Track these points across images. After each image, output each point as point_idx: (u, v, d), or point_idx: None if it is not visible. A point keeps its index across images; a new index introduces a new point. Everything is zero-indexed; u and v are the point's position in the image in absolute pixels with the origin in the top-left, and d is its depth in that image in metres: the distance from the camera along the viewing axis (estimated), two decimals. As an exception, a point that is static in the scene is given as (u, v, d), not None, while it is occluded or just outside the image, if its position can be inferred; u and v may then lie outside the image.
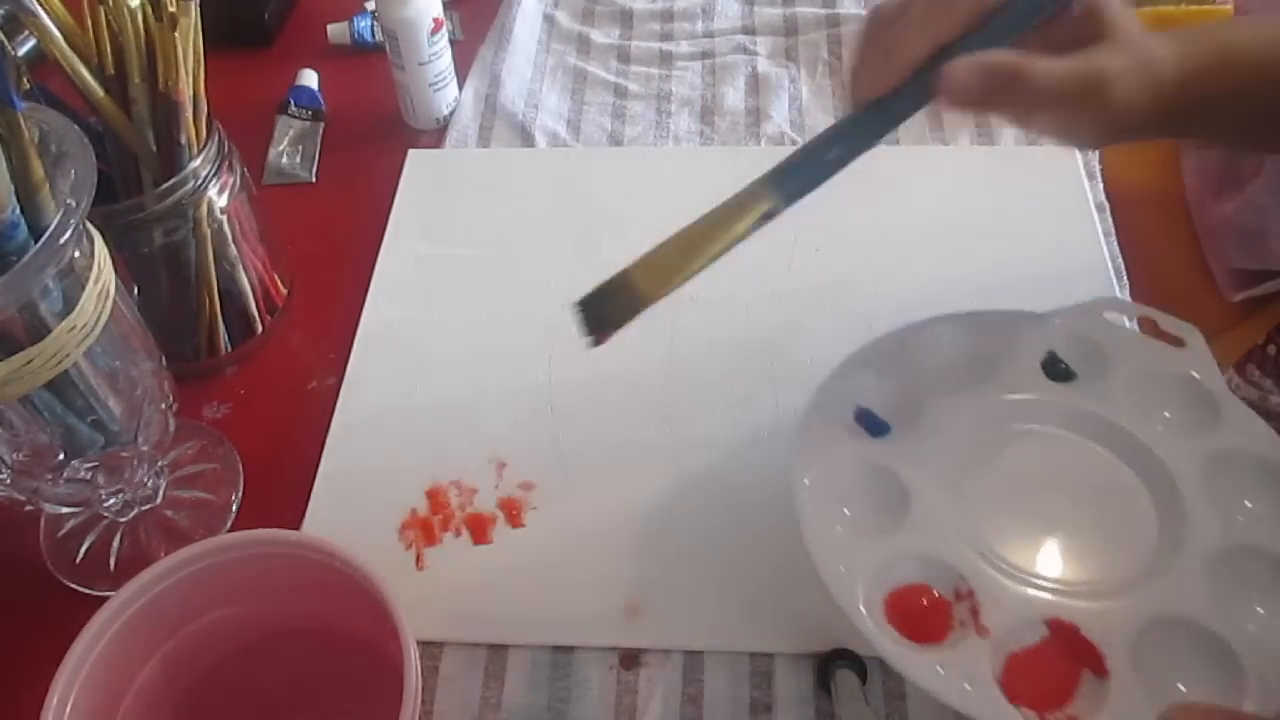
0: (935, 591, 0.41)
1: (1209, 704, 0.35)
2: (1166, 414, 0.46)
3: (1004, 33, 0.38)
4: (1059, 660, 0.38)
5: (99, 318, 0.43)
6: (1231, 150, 0.47)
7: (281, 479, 0.57)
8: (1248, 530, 0.41)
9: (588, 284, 0.65)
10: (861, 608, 0.40)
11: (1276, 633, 0.38)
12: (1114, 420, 0.45)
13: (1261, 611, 0.38)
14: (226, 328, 0.60)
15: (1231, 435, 0.44)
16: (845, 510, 0.43)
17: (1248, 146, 0.48)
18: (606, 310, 0.44)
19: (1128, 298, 0.61)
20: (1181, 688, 0.37)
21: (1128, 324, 0.54)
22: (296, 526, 0.54)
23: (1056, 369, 0.48)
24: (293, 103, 0.76)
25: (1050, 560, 0.42)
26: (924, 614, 0.40)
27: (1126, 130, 0.42)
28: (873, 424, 0.46)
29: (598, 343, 0.44)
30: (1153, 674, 0.37)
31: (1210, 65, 0.42)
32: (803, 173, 0.40)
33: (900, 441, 0.45)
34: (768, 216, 0.41)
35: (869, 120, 0.40)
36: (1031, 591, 0.40)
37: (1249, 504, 0.42)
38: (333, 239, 0.69)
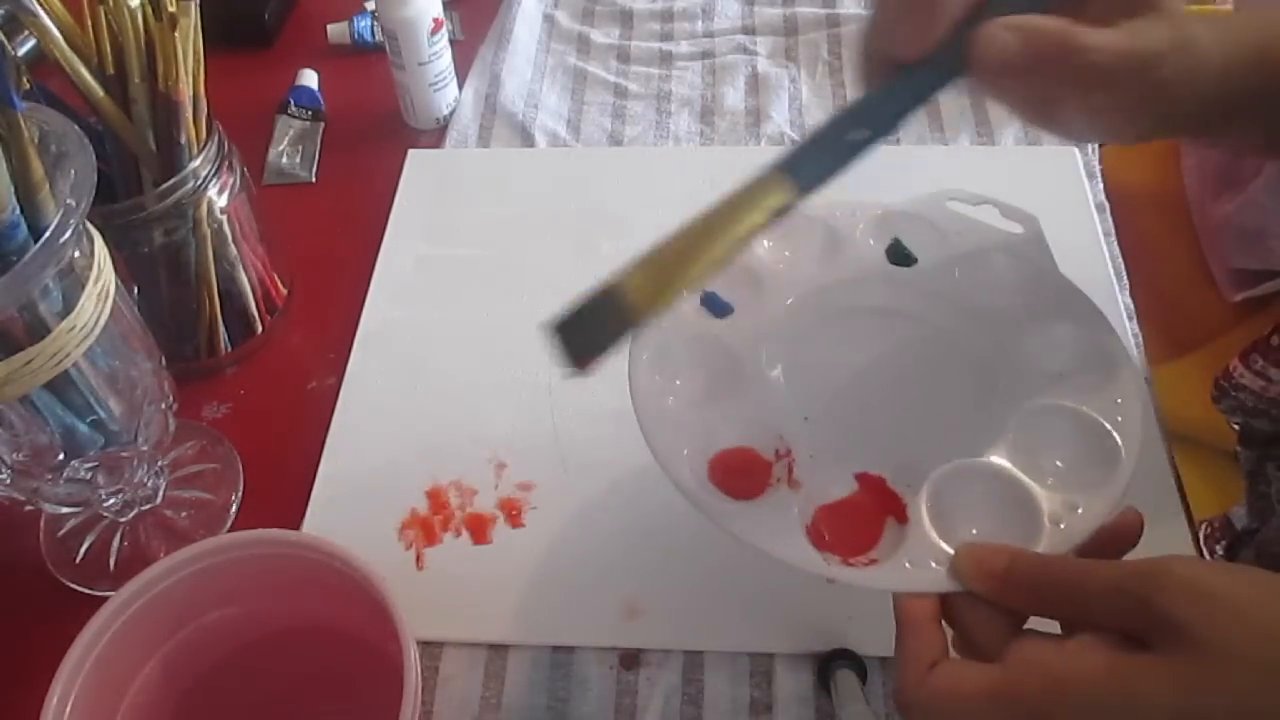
0: (757, 451, 0.42)
1: (997, 544, 0.36)
2: (995, 291, 0.47)
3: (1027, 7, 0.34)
4: (865, 510, 0.40)
5: (99, 318, 0.43)
6: (1259, 158, 0.46)
7: (281, 479, 0.57)
8: (1058, 390, 0.42)
9: (587, 283, 0.64)
10: (688, 471, 0.41)
11: (1073, 484, 0.39)
12: (944, 295, 0.47)
13: (1060, 465, 0.40)
14: (226, 328, 0.60)
15: (1052, 306, 0.46)
16: (677, 382, 0.44)
17: (1274, 153, 0.47)
18: (592, 333, 0.36)
19: (1128, 298, 0.61)
20: (975, 532, 0.38)
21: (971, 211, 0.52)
22: (296, 526, 0.54)
23: (899, 253, 0.49)
24: (293, 103, 0.76)
25: (869, 424, 0.43)
26: (745, 472, 0.42)
27: (1168, 120, 0.38)
28: (715, 305, 0.47)
29: (581, 372, 0.36)
30: (951, 520, 0.39)
31: (1251, 61, 0.38)
32: (823, 157, 0.35)
33: (738, 320, 0.46)
34: (783, 211, 0.35)
35: (898, 92, 0.35)
36: (845, 449, 0.42)
37: (1061, 370, 0.43)
38: (333, 239, 0.69)
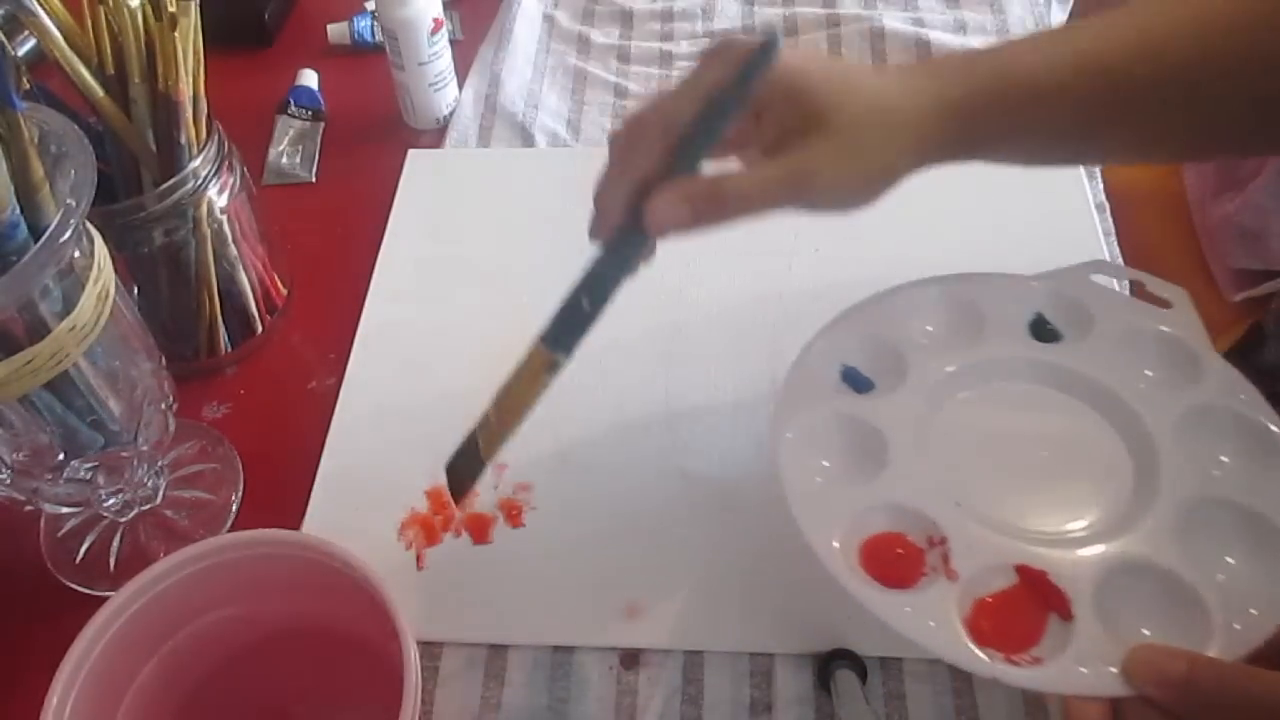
0: (909, 539, 0.41)
1: (1172, 646, 0.35)
2: (1148, 372, 0.46)
3: (695, 151, 0.40)
4: (1026, 604, 0.39)
5: (99, 318, 0.43)
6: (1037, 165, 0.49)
7: (281, 479, 0.57)
8: (1221, 483, 0.42)
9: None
10: (836, 545, 0.40)
11: (1244, 582, 0.38)
12: (1095, 377, 0.46)
13: (1231, 562, 0.39)
14: (226, 328, 0.60)
15: (1211, 391, 0.45)
16: (824, 462, 0.44)
17: (1050, 163, 0.50)
18: (464, 473, 0.47)
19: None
20: (1146, 632, 0.37)
21: (1116, 287, 0.54)
22: (296, 526, 0.54)
23: (1043, 330, 0.48)
24: (293, 103, 0.76)
25: (1024, 510, 0.42)
26: (898, 561, 0.41)
27: (888, 181, 0.42)
28: (857, 381, 0.47)
29: (459, 500, 0.50)
30: (1118, 618, 0.38)
31: (991, 90, 0.43)
32: (570, 325, 0.44)
33: (883, 397, 0.46)
34: (558, 368, 0.44)
35: (604, 266, 0.43)
36: (1002, 539, 0.41)
37: (1224, 459, 0.43)
38: (333, 239, 0.69)
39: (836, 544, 0.41)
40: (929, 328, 0.49)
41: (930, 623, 0.38)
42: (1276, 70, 0.43)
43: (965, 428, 0.45)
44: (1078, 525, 0.42)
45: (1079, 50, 0.44)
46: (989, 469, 0.44)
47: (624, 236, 0.42)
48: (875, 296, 0.50)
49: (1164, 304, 0.48)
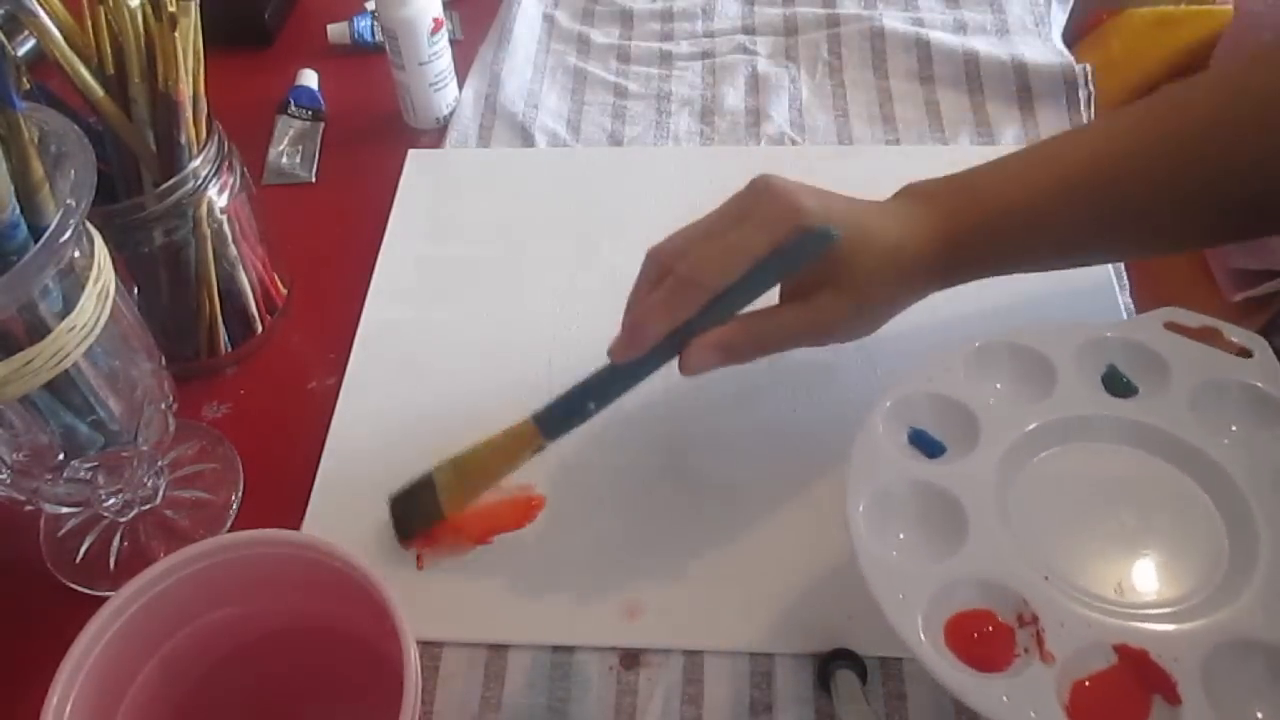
0: (997, 616, 0.39)
1: None
2: (1234, 427, 0.44)
3: (734, 305, 0.45)
4: (1128, 687, 0.37)
5: (99, 318, 0.43)
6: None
7: (281, 479, 0.57)
8: None
9: (588, 283, 0.65)
10: (922, 636, 0.38)
11: None
12: (1178, 434, 0.43)
13: None
14: (226, 328, 0.60)
15: None
16: (900, 535, 0.42)
17: (1045, 268, 0.53)
18: (415, 518, 0.51)
19: (1128, 298, 0.61)
20: (1260, 715, 0.35)
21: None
22: (296, 526, 0.54)
23: (1118, 383, 0.46)
24: (293, 103, 0.76)
25: (1116, 582, 0.40)
26: (986, 641, 0.39)
27: (892, 315, 0.49)
28: (927, 444, 0.45)
29: (405, 542, 0.52)
30: (1228, 700, 0.36)
31: (983, 225, 0.47)
32: (565, 417, 0.48)
33: (956, 462, 0.44)
34: (540, 449, 0.49)
35: (619, 379, 0.47)
36: (1097, 615, 0.38)
37: None
38: (333, 239, 0.69)
39: (921, 624, 0.38)
40: (998, 385, 0.46)
41: (1031, 713, 0.36)
42: (1261, 167, 0.45)
43: (1046, 492, 0.43)
44: (1174, 596, 0.40)
45: (1064, 177, 0.47)
46: (1075, 537, 0.42)
47: (645, 362, 0.46)
48: (940, 354, 0.47)
49: (1244, 353, 0.46)
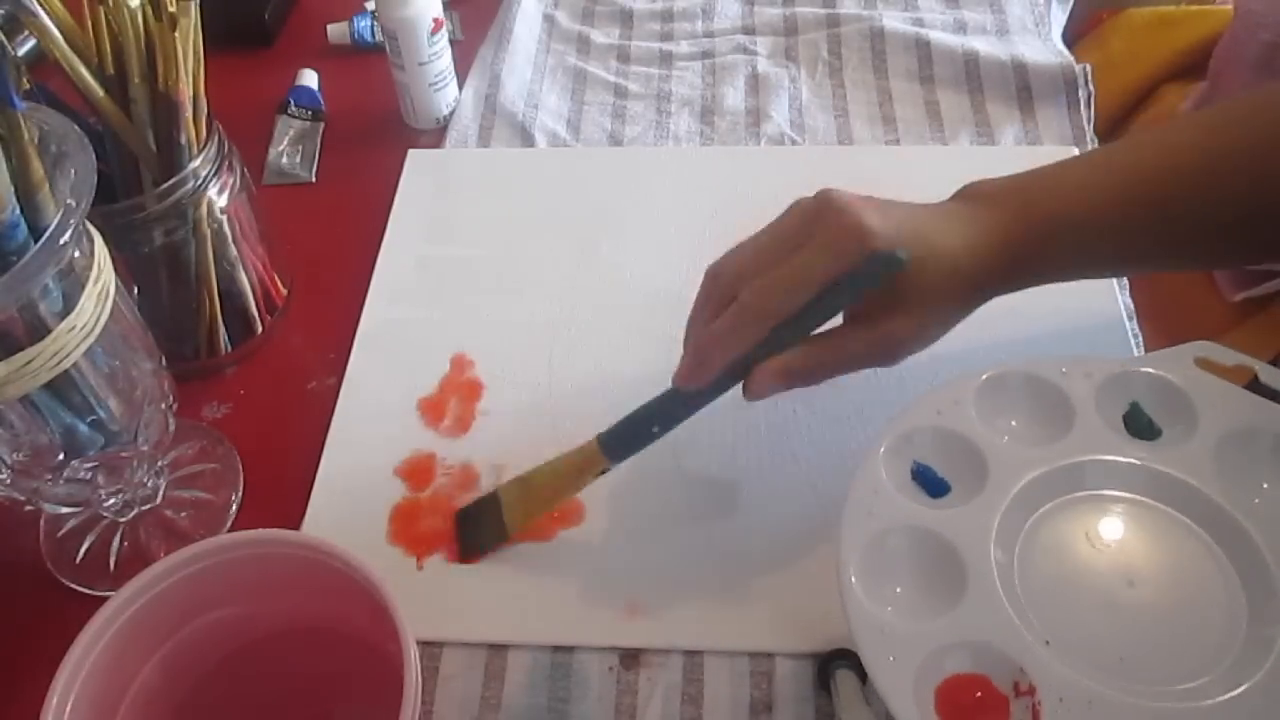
0: (992, 683, 0.36)
1: None
2: (1265, 485, 0.40)
3: (799, 331, 0.44)
4: None
5: (99, 318, 0.43)
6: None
7: (281, 479, 0.57)
8: None
9: (588, 283, 0.65)
10: (913, 705, 0.36)
11: None
12: (1202, 489, 0.40)
13: None
14: (226, 328, 0.60)
15: None
16: (897, 589, 0.39)
17: (1101, 277, 0.53)
18: (480, 536, 0.52)
19: (1128, 298, 0.61)
20: None
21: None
22: (296, 526, 0.54)
23: (1140, 424, 0.43)
24: (293, 103, 0.76)
25: (1122, 652, 0.37)
26: (978, 708, 0.36)
27: (951, 327, 0.47)
28: (931, 483, 0.42)
29: (467, 560, 0.52)
30: None
31: (1044, 234, 0.45)
32: (629, 441, 0.48)
33: (961, 505, 0.41)
34: (604, 471, 0.49)
35: (685, 404, 0.47)
36: (1100, 689, 0.36)
37: None
38: (333, 239, 0.69)
39: (912, 689, 0.36)
40: (1012, 421, 0.43)
41: None
42: None
43: (1053, 547, 0.40)
44: (1183, 673, 0.36)
45: (1127, 186, 0.46)
46: (1080, 599, 0.39)
47: (708, 389, 0.46)
48: (950, 383, 0.45)
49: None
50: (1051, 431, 0.43)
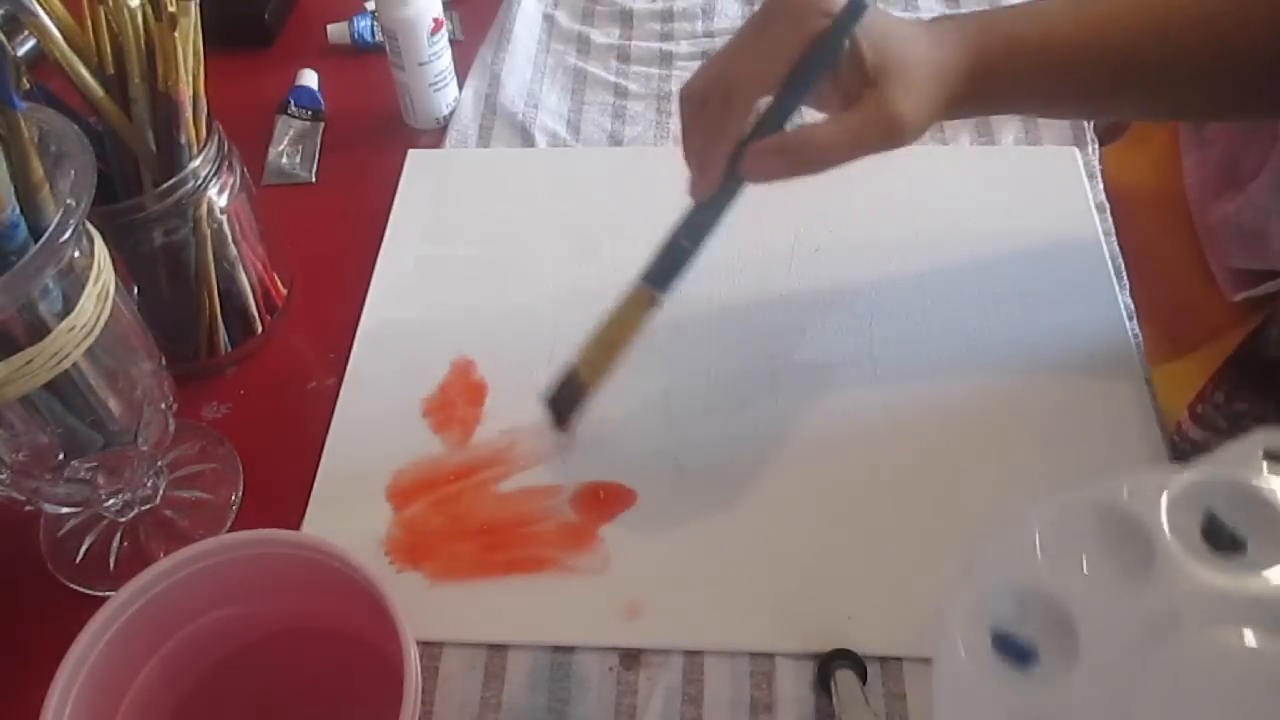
0: None
1: None
2: None
3: (788, 106, 0.44)
4: None
5: (99, 318, 0.43)
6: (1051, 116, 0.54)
7: (281, 479, 0.57)
8: None
9: (587, 283, 0.65)
10: None
11: None
12: None
13: None
14: (226, 328, 0.60)
15: None
16: None
17: (1063, 117, 0.54)
18: (565, 403, 0.54)
19: (1128, 298, 0.61)
20: None
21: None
22: (296, 526, 0.54)
23: (1222, 536, 0.38)
24: (293, 103, 0.76)
25: None
26: None
27: (930, 124, 0.46)
28: (1015, 651, 0.38)
29: (564, 430, 0.55)
30: None
31: (1001, 52, 0.46)
32: (669, 264, 0.48)
33: (1051, 675, 0.36)
34: (658, 305, 0.50)
35: (704, 215, 0.47)
36: None
37: None
38: (333, 239, 0.69)
39: None
40: (1084, 559, 0.39)
41: None
42: None
43: (1166, 713, 0.35)
44: None
45: (1084, 21, 0.46)
46: None
47: (722, 192, 0.46)
48: (1009, 530, 0.40)
49: None
50: (1133, 565, 0.38)
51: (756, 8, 0.84)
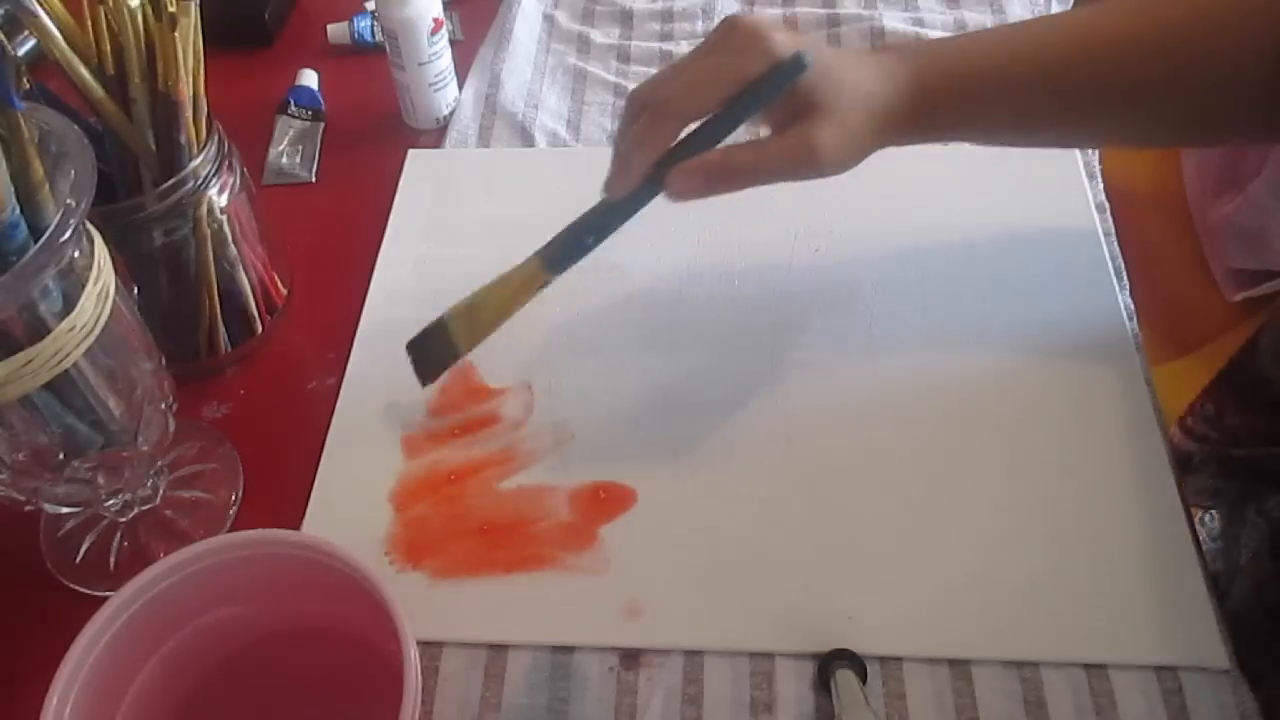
0: None
1: None
2: None
3: (715, 136, 0.46)
4: None
5: (99, 318, 0.43)
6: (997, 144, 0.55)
7: (281, 479, 0.57)
8: None
9: (586, 283, 0.65)
10: None
11: None
12: None
13: None
14: (226, 328, 0.60)
15: None
16: None
17: (1013, 145, 0.55)
18: (433, 359, 0.54)
19: (1128, 298, 0.61)
20: None
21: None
22: (296, 526, 0.54)
23: None
24: (293, 103, 0.76)
25: None
26: None
27: (865, 154, 0.48)
28: None
29: (426, 384, 0.55)
30: None
31: (945, 81, 0.48)
32: (567, 253, 0.50)
33: None
34: (545, 285, 0.51)
35: (614, 213, 0.49)
36: None
37: None
38: (333, 239, 0.69)
39: None
40: None
41: None
42: (1213, 71, 0.46)
43: None
44: None
45: (1016, 48, 0.49)
46: None
47: (636, 195, 0.48)
48: None
49: None
50: None
51: (757, 8, 0.85)
